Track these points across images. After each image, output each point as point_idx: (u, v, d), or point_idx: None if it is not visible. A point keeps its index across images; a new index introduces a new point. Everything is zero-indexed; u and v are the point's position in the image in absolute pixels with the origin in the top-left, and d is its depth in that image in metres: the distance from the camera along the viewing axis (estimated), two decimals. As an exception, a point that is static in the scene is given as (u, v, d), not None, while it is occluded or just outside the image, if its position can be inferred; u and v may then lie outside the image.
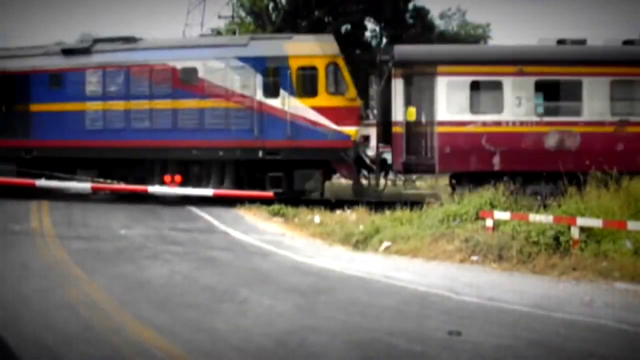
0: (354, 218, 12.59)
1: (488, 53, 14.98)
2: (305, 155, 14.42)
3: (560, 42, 14.42)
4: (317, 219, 12.87)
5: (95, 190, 15.37)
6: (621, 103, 13.77)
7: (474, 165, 13.82)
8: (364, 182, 15.15)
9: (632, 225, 9.06)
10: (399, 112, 14.06)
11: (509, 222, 9.92)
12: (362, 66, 21.88)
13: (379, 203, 13.99)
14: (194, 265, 9.35)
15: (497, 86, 13.82)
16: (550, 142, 13.60)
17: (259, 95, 14.63)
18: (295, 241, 11.42)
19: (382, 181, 14.91)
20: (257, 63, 14.67)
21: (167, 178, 15.26)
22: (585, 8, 75.21)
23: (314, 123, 14.34)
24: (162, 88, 15.13)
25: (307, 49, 14.67)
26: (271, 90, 14.57)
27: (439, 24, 35.20)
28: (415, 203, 12.83)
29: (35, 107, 15.97)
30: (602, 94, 13.60)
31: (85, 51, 15.95)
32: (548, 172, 13.21)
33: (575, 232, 9.19)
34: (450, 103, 13.83)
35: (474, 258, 9.47)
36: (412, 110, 13.98)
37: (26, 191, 15.56)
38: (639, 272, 8.43)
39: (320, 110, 14.38)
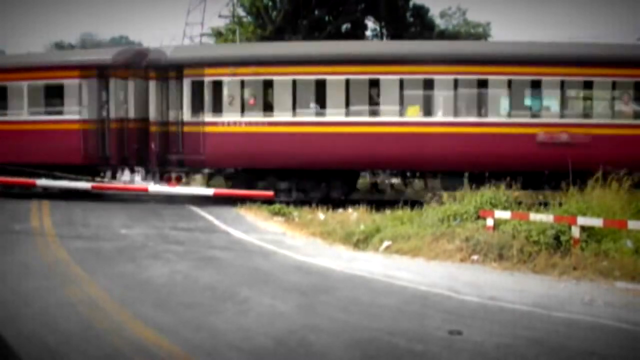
0: (354, 217, 12.59)
1: (216, 56, 15.32)
2: None
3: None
4: (321, 216, 12.90)
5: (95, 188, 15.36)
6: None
7: (216, 162, 14.83)
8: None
9: (632, 224, 9.06)
10: (154, 112, 14.74)
11: (510, 221, 9.91)
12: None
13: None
14: (194, 264, 9.35)
15: (221, 87, 14.59)
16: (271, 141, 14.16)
17: None
18: (296, 240, 11.42)
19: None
20: None
21: (167, 178, 15.26)
22: (586, 7, 75.19)
23: None
24: None
25: None
26: None
27: (440, 22, 35.17)
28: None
29: None
30: (310, 93, 14.10)
31: None
32: (292, 169, 14.22)
33: (575, 232, 9.19)
34: (194, 103, 14.58)
35: (475, 257, 9.47)
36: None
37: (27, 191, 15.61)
38: (639, 271, 8.43)
39: None
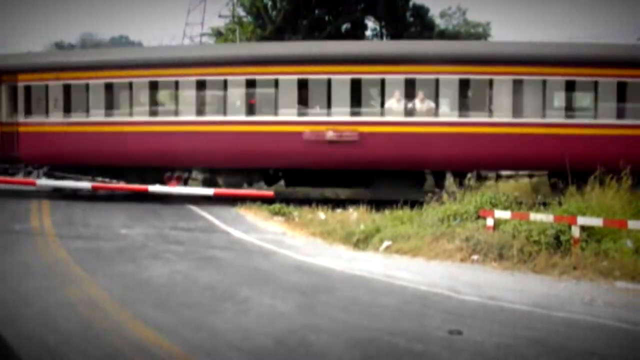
0: (355, 217, 12.59)
1: (39, 62, 16.09)
2: None
3: None
4: (322, 215, 12.92)
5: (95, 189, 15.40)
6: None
7: (49, 158, 15.57)
8: None
9: (632, 224, 9.06)
10: None
11: (510, 221, 9.91)
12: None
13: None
14: (194, 264, 9.35)
15: (44, 91, 15.53)
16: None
17: None
18: (296, 240, 11.42)
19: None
20: None
21: (168, 177, 15.28)
22: (586, 7, 75.18)
23: None
24: None
25: None
26: None
27: (440, 22, 35.18)
28: None
29: None
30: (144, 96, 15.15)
31: None
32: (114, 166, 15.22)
33: (576, 231, 9.19)
34: (27, 105, 15.64)
35: (475, 257, 9.47)
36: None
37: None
38: (639, 271, 8.43)
39: None
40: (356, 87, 13.83)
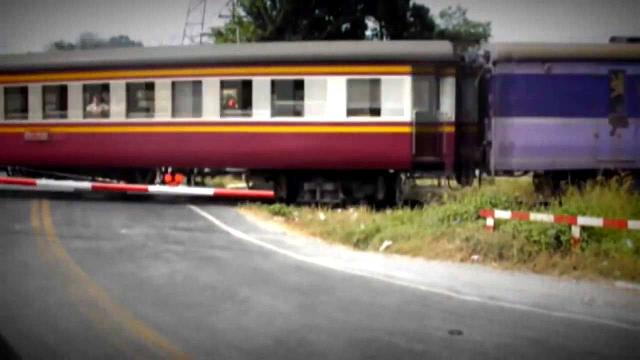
0: (355, 217, 12.59)
1: None
2: None
3: None
4: (322, 215, 12.93)
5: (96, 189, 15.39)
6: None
7: None
8: None
9: (632, 224, 9.06)
10: None
11: (510, 221, 9.91)
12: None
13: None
14: (194, 264, 9.35)
15: None
16: None
17: None
18: (296, 240, 11.42)
19: None
20: None
21: (168, 177, 15.28)
22: (586, 7, 75.21)
23: None
24: None
25: None
26: None
27: (440, 22, 35.16)
28: None
29: None
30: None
31: None
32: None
33: (576, 231, 9.19)
34: None
35: (475, 257, 9.47)
36: None
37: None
38: (639, 271, 8.43)
39: None
40: (46, 93, 15.62)
